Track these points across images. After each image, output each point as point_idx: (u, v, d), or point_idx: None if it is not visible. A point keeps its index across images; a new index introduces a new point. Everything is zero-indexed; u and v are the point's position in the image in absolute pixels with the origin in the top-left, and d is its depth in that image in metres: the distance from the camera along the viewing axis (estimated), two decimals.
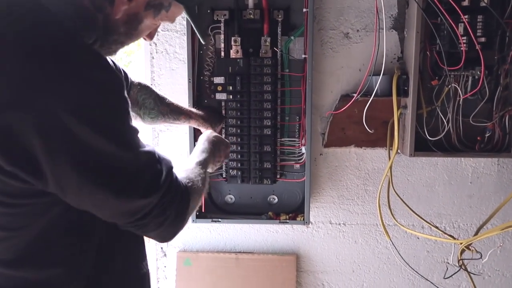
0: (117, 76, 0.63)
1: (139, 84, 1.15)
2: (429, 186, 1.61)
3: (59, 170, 0.59)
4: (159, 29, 1.11)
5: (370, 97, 1.38)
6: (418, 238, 1.64)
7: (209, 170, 1.08)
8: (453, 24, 1.24)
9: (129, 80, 1.09)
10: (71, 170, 0.59)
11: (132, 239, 0.76)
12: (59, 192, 0.61)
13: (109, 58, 0.83)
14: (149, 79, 1.57)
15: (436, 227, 1.46)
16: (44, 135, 0.56)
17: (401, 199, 1.50)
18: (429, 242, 1.65)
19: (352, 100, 1.40)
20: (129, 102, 0.66)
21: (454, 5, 1.18)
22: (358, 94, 1.40)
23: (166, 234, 0.73)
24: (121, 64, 1.04)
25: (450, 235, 1.42)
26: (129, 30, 0.72)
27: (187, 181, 0.77)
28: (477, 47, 1.26)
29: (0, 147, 0.56)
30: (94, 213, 0.66)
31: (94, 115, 0.59)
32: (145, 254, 0.83)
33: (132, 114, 1.12)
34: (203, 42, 1.34)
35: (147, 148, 0.67)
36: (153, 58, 1.57)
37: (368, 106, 1.38)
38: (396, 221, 1.48)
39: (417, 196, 1.61)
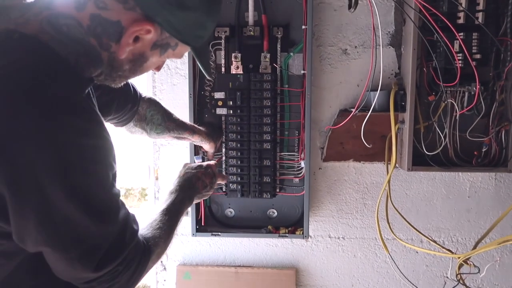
0: (107, 142, 0.63)
1: (149, 99, 1.17)
2: (427, 200, 1.62)
3: (22, 223, 0.59)
4: None
5: (368, 112, 1.40)
6: (417, 252, 1.64)
7: (188, 207, 1.06)
8: (447, 42, 1.27)
9: (138, 96, 1.11)
10: (33, 227, 0.59)
11: None
12: (19, 242, 0.61)
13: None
14: (151, 94, 1.60)
15: (435, 241, 1.47)
16: (16, 187, 0.56)
17: (399, 213, 1.51)
18: (428, 256, 1.65)
19: (351, 115, 1.42)
20: (115, 167, 0.66)
21: (449, 23, 1.21)
22: (356, 109, 1.42)
23: None
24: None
25: (448, 249, 1.42)
26: (133, 67, 0.72)
27: (150, 242, 0.76)
28: (472, 64, 1.28)
29: None
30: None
31: (72, 181, 0.59)
32: None
33: (138, 130, 1.14)
34: (208, 77, 1.36)
35: (120, 216, 0.66)
36: (154, 73, 1.60)
37: (366, 121, 1.40)
38: (395, 235, 1.49)
39: (416, 210, 1.63)
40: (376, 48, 1.39)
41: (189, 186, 1.06)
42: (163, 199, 0.98)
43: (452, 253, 1.41)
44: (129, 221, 0.69)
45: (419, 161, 1.44)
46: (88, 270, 0.64)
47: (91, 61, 0.67)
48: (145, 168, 1.70)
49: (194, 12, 0.68)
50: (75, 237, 0.62)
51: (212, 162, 1.20)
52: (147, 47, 0.69)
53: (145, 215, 0.87)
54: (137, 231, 0.72)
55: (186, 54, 1.47)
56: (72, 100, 0.62)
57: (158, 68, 0.79)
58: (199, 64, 0.82)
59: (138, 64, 0.72)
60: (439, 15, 1.24)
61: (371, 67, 1.37)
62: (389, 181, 1.45)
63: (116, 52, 0.67)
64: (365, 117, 1.41)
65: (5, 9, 0.63)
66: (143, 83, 1.60)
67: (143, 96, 1.15)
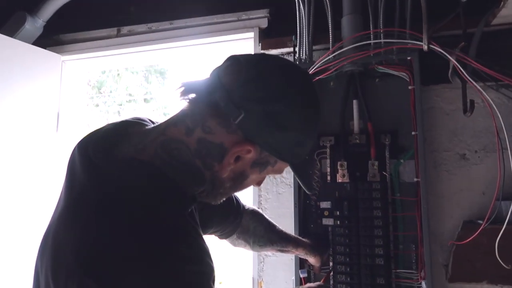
0: (208, 267, 0.65)
1: (252, 212, 1.17)
2: None
3: None
4: None
5: (502, 225, 1.20)
6: None
7: None
8: None
9: (241, 207, 1.12)
10: None
11: None
12: None
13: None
14: (256, 203, 1.61)
15: None
16: None
17: None
18: None
19: (480, 229, 1.23)
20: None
21: None
22: (487, 222, 1.23)
23: None
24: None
25: None
26: (234, 184, 0.75)
27: None
28: None
29: None
30: None
31: None
32: None
33: (241, 242, 1.13)
34: (308, 193, 1.35)
35: None
36: None
37: (501, 236, 1.20)
38: None
39: None
40: (502, 152, 1.25)
41: None
42: None
43: None
44: None
45: None
46: None
47: (195, 180, 0.71)
48: (249, 279, 1.64)
49: (292, 132, 0.69)
50: None
51: (314, 285, 1.11)
52: (247, 165, 0.72)
53: None
54: None
55: None
56: (177, 225, 0.65)
57: (259, 183, 0.81)
58: (298, 181, 0.82)
59: (238, 182, 0.75)
60: None
61: (499, 173, 1.21)
62: None
63: (219, 171, 0.71)
64: (499, 231, 1.20)
65: (128, 136, 0.72)
66: (249, 193, 1.63)
67: (246, 207, 1.16)
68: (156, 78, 9.72)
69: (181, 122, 0.70)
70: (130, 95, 9.41)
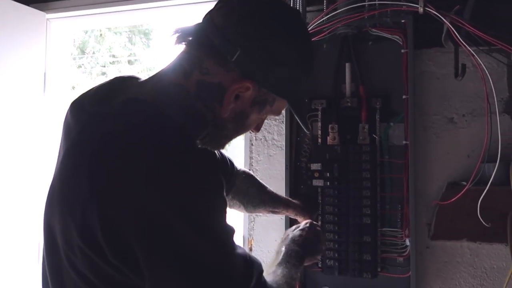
0: (219, 178, 0.66)
1: (244, 172, 1.20)
2: None
3: (155, 269, 0.60)
4: None
5: (484, 186, 1.25)
6: None
7: (302, 264, 1.04)
8: None
9: (235, 169, 1.14)
10: (167, 270, 0.60)
11: None
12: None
13: (216, 152, 0.88)
14: (247, 165, 1.64)
15: None
16: (144, 231, 0.58)
17: None
18: None
19: (464, 189, 1.28)
20: (227, 202, 0.68)
21: None
22: (470, 183, 1.28)
23: None
24: (227, 153, 1.10)
25: None
26: (236, 125, 0.76)
27: (275, 285, 0.77)
28: None
29: (105, 238, 0.59)
30: None
31: (196, 215, 0.61)
32: None
33: (236, 203, 1.16)
34: (307, 132, 1.37)
35: (240, 250, 0.67)
36: (252, 144, 1.65)
37: (483, 196, 1.25)
38: None
39: None
40: (490, 117, 1.28)
41: (294, 244, 1.05)
42: (271, 260, 0.99)
43: None
44: (250, 256, 0.69)
45: None
46: None
47: (198, 122, 0.72)
48: (240, 238, 1.69)
49: (288, 67, 0.72)
50: (208, 269, 0.62)
51: (310, 221, 1.17)
52: (247, 104, 0.73)
53: None
54: (261, 265, 0.71)
55: (283, 127, 1.52)
56: (186, 142, 0.67)
57: (258, 128, 0.83)
58: (297, 118, 0.84)
59: (240, 122, 0.76)
60: None
61: (486, 136, 1.25)
62: None
63: (219, 112, 0.72)
64: (481, 192, 1.26)
65: (124, 89, 0.72)
66: (241, 154, 1.65)
67: (238, 169, 1.18)
68: (140, 39, 9.45)
69: (178, 66, 0.71)
70: (113, 56, 9.16)
